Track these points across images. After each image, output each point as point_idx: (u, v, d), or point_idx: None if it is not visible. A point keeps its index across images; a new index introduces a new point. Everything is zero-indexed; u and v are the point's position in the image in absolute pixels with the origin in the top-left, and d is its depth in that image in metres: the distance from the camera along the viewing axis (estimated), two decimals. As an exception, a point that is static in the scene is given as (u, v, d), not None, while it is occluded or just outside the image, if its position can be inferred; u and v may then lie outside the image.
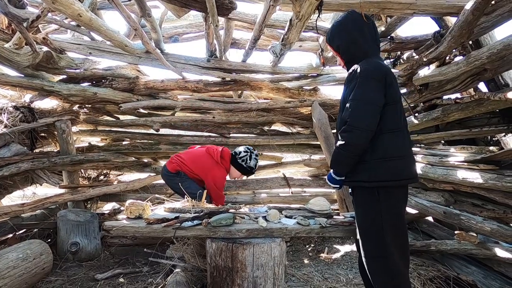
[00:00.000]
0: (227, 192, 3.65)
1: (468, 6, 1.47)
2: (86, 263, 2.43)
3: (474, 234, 2.13)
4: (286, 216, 1.87)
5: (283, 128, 3.77)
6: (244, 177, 2.73)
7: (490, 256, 2.07)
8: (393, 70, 2.58)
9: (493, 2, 1.64)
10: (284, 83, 3.51)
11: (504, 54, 1.66)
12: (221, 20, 2.81)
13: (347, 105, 1.39)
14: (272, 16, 2.36)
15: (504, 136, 2.13)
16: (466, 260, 2.33)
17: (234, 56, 3.40)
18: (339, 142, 1.40)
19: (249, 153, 2.57)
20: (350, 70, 1.46)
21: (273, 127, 3.70)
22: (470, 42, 2.12)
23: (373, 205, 1.40)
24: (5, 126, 2.41)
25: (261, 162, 4.05)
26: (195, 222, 1.62)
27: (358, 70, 1.39)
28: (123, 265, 2.43)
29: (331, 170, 1.52)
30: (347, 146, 1.37)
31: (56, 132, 2.91)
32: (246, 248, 1.56)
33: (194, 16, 3.22)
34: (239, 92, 3.70)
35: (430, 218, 2.97)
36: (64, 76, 3.00)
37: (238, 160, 2.55)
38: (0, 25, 2.42)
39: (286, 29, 2.20)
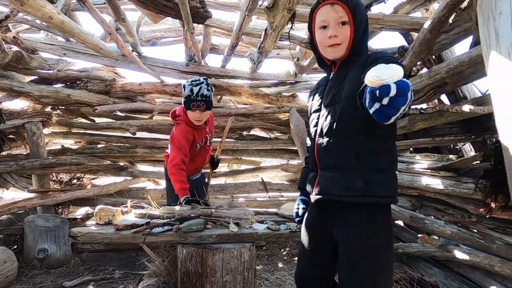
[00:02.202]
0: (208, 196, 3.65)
1: (426, 25, 1.58)
2: (54, 270, 2.35)
3: (436, 237, 2.26)
4: (257, 221, 1.90)
5: (262, 133, 3.83)
6: (204, 114, 2.04)
7: (451, 258, 2.20)
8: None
9: (450, 21, 1.77)
10: (263, 89, 3.57)
11: (460, 70, 1.79)
12: (200, 26, 2.83)
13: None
14: (250, 24, 2.42)
15: (463, 145, 2.28)
16: (430, 262, 2.46)
17: (213, 61, 3.43)
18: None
19: (184, 83, 2.09)
20: (364, 57, 1.09)
21: (251, 132, 3.75)
22: (434, 57, 2.27)
23: (382, 232, 1.07)
24: (-31, 128, 2.30)
25: (240, 167, 4.09)
26: (166, 228, 1.62)
27: (379, 52, 1.25)
28: (94, 271, 2.38)
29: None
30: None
31: (25, 134, 2.82)
32: (216, 253, 1.58)
33: (173, 20, 3.22)
34: (219, 97, 3.73)
35: (399, 222, 3.11)
36: (36, 77, 2.91)
37: (182, 99, 2.07)
38: (-34, 23, 2.32)
39: (262, 38, 2.26)
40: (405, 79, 0.71)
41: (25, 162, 2.66)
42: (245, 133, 3.64)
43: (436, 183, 2.16)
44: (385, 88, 0.64)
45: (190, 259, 1.60)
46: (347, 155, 1.08)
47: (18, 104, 3.03)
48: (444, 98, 2.38)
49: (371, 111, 0.81)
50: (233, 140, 3.63)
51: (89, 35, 2.12)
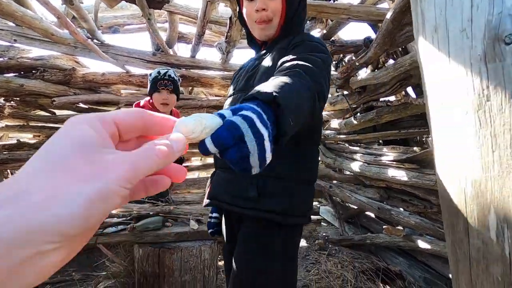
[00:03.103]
0: (177, 191, 3.56)
1: (388, 15, 1.55)
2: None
3: (401, 228, 2.30)
4: (222, 217, 1.85)
5: (235, 126, 3.75)
6: (170, 97, 1.95)
7: (414, 248, 2.26)
8: (333, 73, 2.69)
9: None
10: (235, 81, 3.49)
11: (424, 62, 1.79)
12: (165, 13, 2.68)
13: (312, 58, 0.77)
14: (219, 12, 2.31)
15: (428, 137, 2.32)
16: (395, 251, 2.52)
17: (183, 51, 3.28)
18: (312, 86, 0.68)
19: (149, 73, 2.04)
20: (289, 39, 0.93)
21: (225, 125, 3.67)
22: (400, 49, 2.27)
23: (276, 249, 0.91)
24: None
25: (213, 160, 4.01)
26: (120, 227, 1.53)
27: (305, 33, 0.96)
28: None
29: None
30: (312, 100, 0.66)
31: (-27, 128, 2.58)
32: (173, 252, 1.51)
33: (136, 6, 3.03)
34: (190, 88, 3.60)
35: (370, 213, 3.17)
36: (-17, 65, 2.66)
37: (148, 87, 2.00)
38: None
39: (227, 27, 2.16)
40: (234, 120, 0.38)
41: (-28, 159, 2.45)
42: (217, 126, 3.55)
43: (401, 175, 2.19)
44: (203, 148, 0.37)
45: (146, 259, 1.52)
46: None
47: (-36, 95, 2.77)
48: (410, 90, 2.40)
49: None
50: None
51: (36, 19, 1.93)
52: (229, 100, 1.00)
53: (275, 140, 0.46)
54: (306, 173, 0.90)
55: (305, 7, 0.99)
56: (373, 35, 2.50)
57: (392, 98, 2.54)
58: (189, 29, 3.16)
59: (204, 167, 3.78)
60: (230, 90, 1.05)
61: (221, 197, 0.91)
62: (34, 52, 2.95)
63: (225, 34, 2.33)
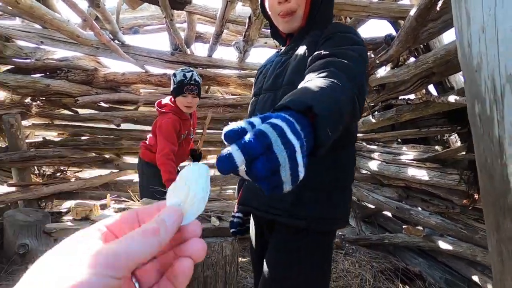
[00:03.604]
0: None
1: (412, 12, 1.53)
2: (36, 266, 2.30)
3: (421, 228, 2.27)
4: (241, 214, 1.87)
5: (251, 124, 3.77)
6: (194, 100, 1.99)
7: (435, 248, 2.22)
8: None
9: (438, 9, 1.71)
10: (251, 79, 3.50)
11: (448, 59, 1.75)
12: (183, 13, 2.73)
13: (340, 52, 0.72)
14: (236, 12, 2.33)
15: (450, 136, 2.26)
16: (415, 252, 2.48)
17: (200, 50, 3.32)
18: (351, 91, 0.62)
19: (174, 72, 2.05)
20: (320, 30, 0.87)
21: (240, 123, 3.69)
22: (422, 46, 2.22)
23: (314, 256, 0.92)
24: None
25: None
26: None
27: (339, 24, 0.93)
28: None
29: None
30: (353, 104, 0.63)
31: (3, 126, 2.71)
32: (196, 248, 1.55)
33: (155, 7, 3.09)
34: (206, 87, 3.64)
35: (387, 213, 3.12)
36: (12, 66, 2.78)
37: (171, 88, 2.04)
38: None
39: (246, 26, 2.18)
40: (263, 128, 0.37)
41: (2, 155, 2.57)
42: (233, 124, 3.58)
43: (421, 174, 2.15)
44: (224, 163, 0.36)
45: (170, 254, 1.56)
46: None
47: (-6, 95, 2.91)
48: (432, 88, 2.35)
49: None
50: (221, 131, 3.57)
51: (63, 22, 2.01)
52: (256, 99, 0.96)
53: (311, 151, 0.43)
54: (341, 178, 0.86)
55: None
56: (393, 31, 2.47)
57: (412, 96, 2.49)
58: (206, 29, 3.20)
59: (220, 165, 3.82)
60: (256, 87, 0.99)
61: (254, 203, 0.88)
62: (58, 53, 3.05)
63: (243, 33, 2.35)
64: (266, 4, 0.93)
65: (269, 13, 0.93)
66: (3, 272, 2.16)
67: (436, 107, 2.00)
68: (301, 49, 0.85)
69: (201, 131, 2.41)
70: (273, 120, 0.37)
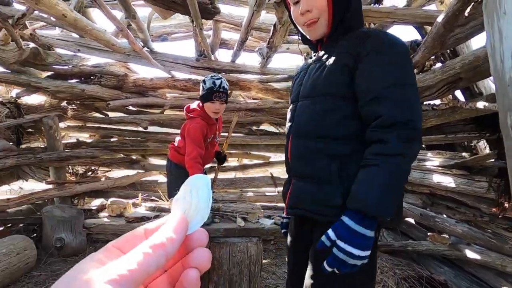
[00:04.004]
0: (215, 190, 3.71)
1: (439, 19, 1.53)
2: (70, 259, 2.46)
3: (447, 236, 2.22)
4: (265, 216, 1.93)
5: (271, 128, 3.83)
6: (221, 107, 2.08)
7: (461, 257, 2.17)
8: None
9: (466, 15, 1.70)
10: (273, 84, 3.56)
11: (476, 65, 1.73)
12: (209, 21, 2.84)
13: (381, 93, 0.78)
14: (259, 19, 2.41)
15: (478, 143, 2.21)
16: (440, 260, 2.43)
17: (223, 56, 3.42)
18: (399, 159, 0.75)
19: (203, 79, 2.12)
20: (354, 36, 0.88)
21: (261, 127, 3.76)
22: (448, 51, 2.20)
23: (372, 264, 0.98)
24: (-9, 122, 2.42)
25: (250, 162, 4.12)
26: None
27: (379, 36, 0.84)
28: (107, 261, 2.47)
29: (355, 225, 0.76)
30: (409, 163, 0.79)
31: (43, 128, 2.93)
32: (223, 246, 1.61)
33: (183, 15, 3.23)
34: (229, 91, 3.74)
35: (410, 219, 3.07)
36: (52, 73, 3.00)
37: (200, 94, 2.11)
38: (-14, 21, 2.41)
39: (271, 33, 2.24)
40: (337, 255, 0.77)
41: (42, 155, 2.77)
42: (254, 128, 3.66)
43: (447, 181, 2.12)
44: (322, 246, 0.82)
45: (198, 252, 1.64)
46: (325, 163, 0.86)
47: (35, 99, 3.15)
48: (459, 93, 2.31)
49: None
50: (243, 134, 3.65)
51: (101, 32, 2.16)
52: (294, 106, 0.99)
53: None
54: None
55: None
56: (418, 36, 2.45)
57: (437, 101, 2.45)
58: (230, 35, 3.30)
59: (241, 167, 3.90)
60: (293, 94, 1.02)
61: (305, 205, 0.90)
62: (92, 60, 3.26)
63: (267, 40, 2.41)
64: (292, 16, 0.98)
65: (296, 24, 0.99)
66: (42, 263, 2.33)
67: (464, 113, 1.97)
68: (334, 60, 0.88)
69: (226, 134, 2.49)
70: (342, 245, 0.75)
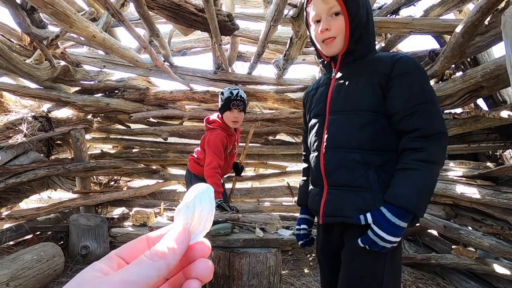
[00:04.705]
0: (232, 200, 3.75)
1: (458, 29, 1.53)
2: (95, 266, 2.55)
3: (473, 249, 2.14)
4: (283, 227, 1.93)
5: (288, 138, 3.85)
6: (240, 115, 2.14)
7: (489, 272, 2.07)
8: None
9: (486, 23, 1.69)
10: (289, 94, 3.60)
11: (498, 73, 1.70)
12: (227, 37, 2.93)
13: (418, 108, 0.90)
14: (275, 32, 2.47)
15: (503, 152, 2.14)
16: (466, 275, 2.33)
17: (240, 68, 3.53)
18: (431, 164, 0.89)
19: (221, 91, 2.20)
20: (380, 57, 1.00)
21: (277, 137, 3.79)
22: (469, 59, 2.16)
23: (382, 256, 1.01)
24: (25, 135, 2.59)
25: (265, 171, 4.15)
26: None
27: (409, 61, 0.95)
28: (129, 269, 2.54)
29: (394, 219, 0.88)
30: (439, 168, 0.92)
31: (70, 140, 3.09)
32: (242, 257, 1.63)
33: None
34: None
35: (433, 231, 2.97)
36: (80, 88, 3.18)
37: (219, 105, 2.18)
38: (23, 42, 2.62)
39: (287, 46, 2.30)
40: (376, 241, 0.90)
41: (70, 166, 2.92)
42: (271, 138, 3.69)
43: (472, 192, 2.05)
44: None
45: (218, 262, 1.67)
46: (363, 173, 0.95)
47: (64, 113, 3.34)
48: (481, 102, 2.26)
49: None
50: (259, 144, 3.69)
51: (126, 49, 2.29)
52: (323, 119, 1.05)
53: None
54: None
55: (372, 23, 1.03)
56: (435, 45, 2.43)
57: (458, 110, 2.40)
58: (247, 48, 3.38)
59: (258, 177, 3.93)
60: (317, 109, 1.09)
61: (345, 213, 0.97)
62: (116, 75, 3.43)
63: (284, 52, 2.47)
64: (312, 34, 1.07)
65: (314, 40, 1.07)
66: (69, 270, 2.43)
67: (487, 122, 1.93)
68: (366, 79, 0.98)
69: (244, 144, 2.54)
70: (379, 232, 0.89)
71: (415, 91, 0.92)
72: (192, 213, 0.32)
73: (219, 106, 2.16)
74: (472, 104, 2.26)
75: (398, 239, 0.89)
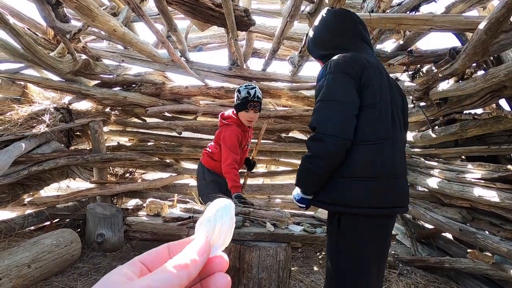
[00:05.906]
0: (244, 195, 3.77)
1: (481, 26, 1.48)
2: (110, 254, 2.64)
3: (489, 254, 2.08)
4: (294, 223, 1.94)
5: (301, 136, 3.84)
6: (255, 116, 2.17)
7: (507, 278, 2.01)
8: (410, 84, 2.58)
9: (511, 20, 1.62)
10: (303, 92, 3.58)
11: (523, 73, 1.64)
12: (243, 32, 2.95)
13: (315, 107, 1.15)
14: (291, 29, 2.46)
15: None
16: (481, 280, 2.27)
17: (255, 64, 3.52)
18: (306, 154, 1.17)
19: (238, 88, 2.21)
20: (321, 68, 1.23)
21: (290, 134, 3.78)
22: (492, 58, 2.09)
23: (332, 236, 1.23)
24: (47, 126, 2.69)
25: (278, 169, 4.15)
26: (207, 222, 1.74)
27: (329, 64, 1.14)
28: (142, 258, 2.61)
29: (297, 188, 1.29)
30: (315, 159, 1.12)
31: (89, 132, 3.20)
32: (253, 250, 1.65)
33: (217, 27, 3.38)
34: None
35: (447, 235, 2.89)
36: (99, 81, 3.28)
37: (235, 103, 2.20)
38: (48, 36, 2.72)
39: (303, 42, 2.29)
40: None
41: (88, 156, 3.02)
42: (283, 135, 3.69)
43: (490, 195, 1.99)
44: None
45: (228, 254, 1.70)
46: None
47: (84, 105, 3.45)
48: (503, 102, 2.18)
49: None
50: (272, 141, 3.70)
51: (145, 44, 2.34)
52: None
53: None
54: (345, 169, 1.14)
55: (314, 37, 1.37)
56: (457, 42, 2.35)
57: (478, 110, 2.33)
58: (262, 44, 3.39)
59: (269, 174, 3.94)
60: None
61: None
62: (133, 69, 3.51)
63: (299, 49, 2.46)
64: None
65: None
66: (85, 256, 2.53)
67: (509, 123, 1.86)
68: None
69: (256, 140, 2.55)
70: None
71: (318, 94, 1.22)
72: (213, 227, 0.33)
73: (235, 104, 2.17)
74: (494, 104, 2.19)
75: (301, 204, 1.34)
